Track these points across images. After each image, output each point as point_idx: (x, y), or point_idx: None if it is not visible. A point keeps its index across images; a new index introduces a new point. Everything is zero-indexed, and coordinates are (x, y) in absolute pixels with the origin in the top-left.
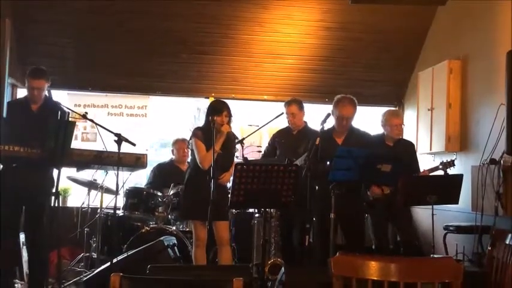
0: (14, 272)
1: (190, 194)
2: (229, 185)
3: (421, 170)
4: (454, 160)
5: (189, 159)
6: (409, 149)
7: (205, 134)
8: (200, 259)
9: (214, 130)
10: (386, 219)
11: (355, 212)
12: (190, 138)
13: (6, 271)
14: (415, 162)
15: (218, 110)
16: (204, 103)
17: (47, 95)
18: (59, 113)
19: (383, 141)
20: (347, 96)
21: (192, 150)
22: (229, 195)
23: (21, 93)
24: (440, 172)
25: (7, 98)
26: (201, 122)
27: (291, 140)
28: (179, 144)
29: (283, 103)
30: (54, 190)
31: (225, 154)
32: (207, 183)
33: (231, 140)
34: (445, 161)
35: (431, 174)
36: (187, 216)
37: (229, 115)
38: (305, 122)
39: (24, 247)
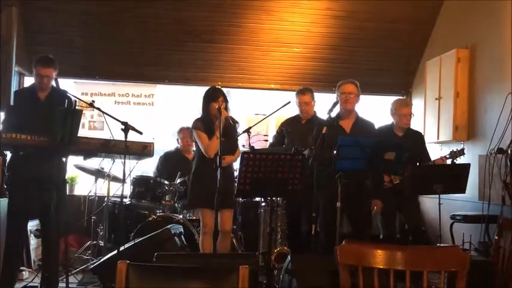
0: (18, 261)
1: (198, 183)
2: (236, 173)
3: (438, 157)
4: (463, 149)
5: (194, 148)
6: (418, 138)
7: (204, 123)
8: (207, 246)
9: (220, 117)
10: (395, 209)
11: (360, 201)
12: (191, 130)
13: (10, 259)
14: (425, 152)
15: (213, 96)
16: None
17: (54, 83)
18: (66, 101)
19: (392, 131)
20: (347, 79)
21: (195, 142)
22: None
23: (28, 81)
24: (449, 161)
25: (14, 87)
26: None
27: (300, 129)
28: (183, 133)
29: (290, 92)
30: (62, 178)
31: (227, 140)
32: (214, 172)
33: (231, 125)
34: (454, 149)
35: (438, 163)
36: (196, 205)
37: (226, 101)
38: (314, 112)
39: (32, 235)
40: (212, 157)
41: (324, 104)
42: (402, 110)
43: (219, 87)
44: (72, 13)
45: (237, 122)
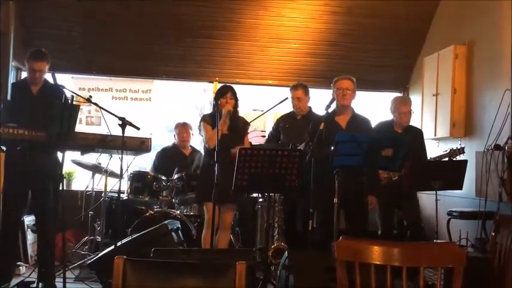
0: (14, 255)
1: (205, 178)
2: None
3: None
4: (463, 148)
5: (190, 144)
6: (418, 136)
7: (212, 117)
8: (209, 240)
9: (217, 113)
10: (394, 206)
11: (357, 197)
12: (199, 124)
13: (7, 253)
14: (423, 151)
15: (222, 92)
16: (210, 86)
17: (52, 78)
18: (63, 96)
19: (392, 127)
20: (343, 75)
21: (202, 135)
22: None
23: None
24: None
25: (12, 81)
26: (205, 105)
27: (295, 125)
28: (180, 129)
29: (288, 88)
30: (59, 173)
31: (232, 135)
32: (221, 167)
33: (239, 122)
34: (454, 148)
35: (436, 160)
36: (203, 199)
37: (235, 98)
38: (309, 107)
39: (29, 230)
40: (212, 148)
41: (322, 100)
42: (402, 108)
43: (230, 85)
44: (69, 8)
45: (248, 123)
